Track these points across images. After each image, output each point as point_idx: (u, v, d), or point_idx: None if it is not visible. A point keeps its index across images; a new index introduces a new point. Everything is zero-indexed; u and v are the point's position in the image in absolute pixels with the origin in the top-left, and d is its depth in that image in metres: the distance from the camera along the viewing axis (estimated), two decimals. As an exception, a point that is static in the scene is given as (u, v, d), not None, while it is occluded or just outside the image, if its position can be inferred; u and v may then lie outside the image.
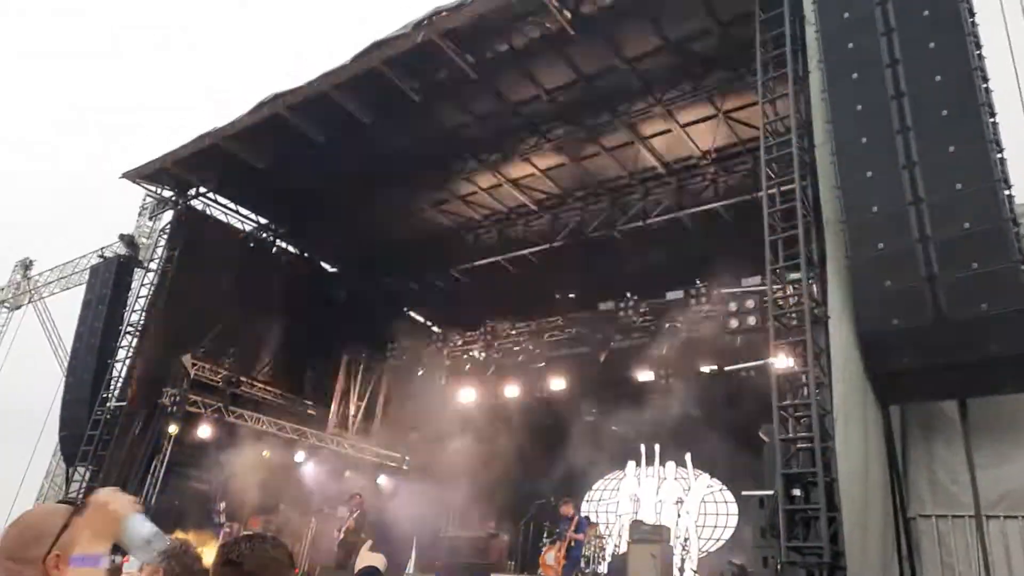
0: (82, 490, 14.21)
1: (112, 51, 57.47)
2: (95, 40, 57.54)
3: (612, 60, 11.51)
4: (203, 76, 57.77)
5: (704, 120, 12.64)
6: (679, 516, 14.54)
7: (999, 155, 6.78)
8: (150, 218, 17.29)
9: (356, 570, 2.86)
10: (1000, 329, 6.63)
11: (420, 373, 18.76)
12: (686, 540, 14.14)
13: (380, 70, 11.64)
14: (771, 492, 8.03)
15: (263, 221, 17.48)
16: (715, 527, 15.07)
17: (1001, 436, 7.32)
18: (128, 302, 15.88)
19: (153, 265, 15.96)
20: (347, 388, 18.69)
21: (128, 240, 16.68)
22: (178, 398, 14.10)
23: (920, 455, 7.78)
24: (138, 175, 15.47)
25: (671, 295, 14.81)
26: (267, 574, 1.96)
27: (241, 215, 17.10)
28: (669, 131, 12.94)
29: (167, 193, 16.11)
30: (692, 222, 14.11)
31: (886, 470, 7.71)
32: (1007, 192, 6.72)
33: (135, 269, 16.44)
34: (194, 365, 14.61)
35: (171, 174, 15.33)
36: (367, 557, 2.89)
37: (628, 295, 15.08)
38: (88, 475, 14.13)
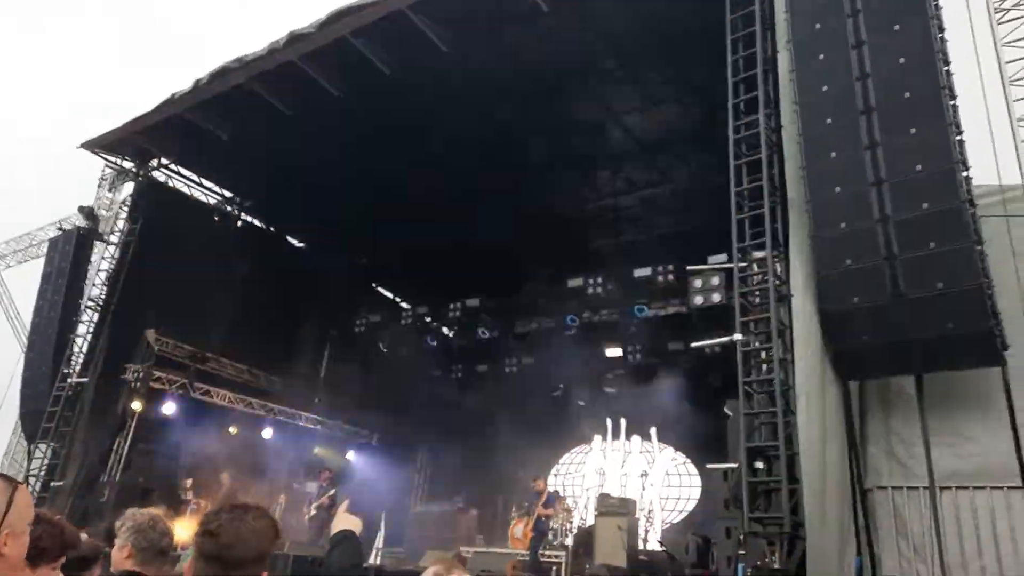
0: (43, 468, 14.00)
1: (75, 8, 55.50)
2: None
3: (585, 36, 11.45)
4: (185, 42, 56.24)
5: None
6: (644, 489, 14.82)
7: (958, 137, 6.93)
8: (110, 190, 16.86)
9: (332, 532, 2.83)
10: (955, 307, 6.83)
11: (387, 348, 18.75)
12: (650, 512, 14.43)
13: (347, 40, 11.43)
14: (735, 465, 8.22)
15: (228, 194, 17.18)
16: (679, 499, 15.41)
17: (955, 411, 7.57)
18: (89, 276, 15.53)
19: (114, 238, 15.64)
20: (315, 363, 18.63)
21: (88, 212, 16.26)
22: (142, 374, 13.90)
23: (878, 429, 8.03)
24: (97, 145, 15.05)
25: (639, 272, 14.96)
26: (246, 546, 1.90)
27: (205, 187, 16.78)
28: (642, 108, 12.97)
29: (128, 164, 15.73)
30: (661, 200, 14.20)
31: (845, 444, 7.95)
32: (965, 174, 6.89)
33: (95, 242, 16.05)
34: (158, 340, 14.39)
35: (132, 144, 14.95)
36: (343, 519, 2.84)
37: (597, 271, 15.18)
38: (50, 452, 13.91)
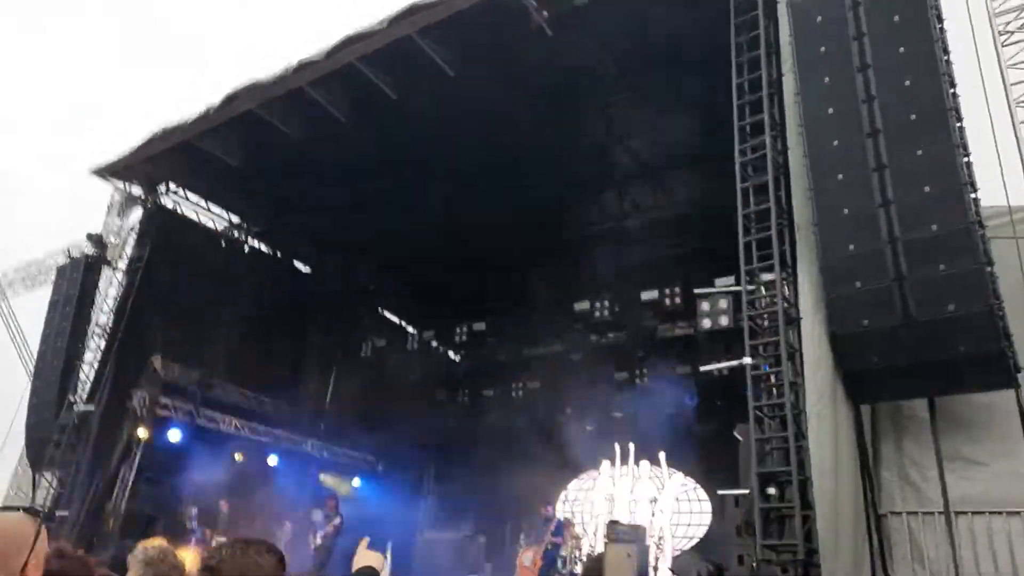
0: (49, 497, 13.91)
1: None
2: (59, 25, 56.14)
3: (590, 60, 11.54)
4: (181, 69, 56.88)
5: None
6: (653, 515, 14.60)
7: (966, 159, 6.92)
8: (118, 215, 16.94)
9: (354, 569, 2.74)
10: (967, 329, 6.77)
11: (393, 373, 18.68)
12: (660, 539, 14.21)
13: (355, 66, 11.55)
14: (746, 491, 8.11)
15: (235, 219, 17.25)
16: (689, 525, 15.18)
17: (969, 434, 7.47)
18: (96, 302, 15.56)
19: (122, 264, 15.66)
20: (320, 388, 18.55)
21: (96, 239, 16.32)
22: (147, 400, 13.84)
23: (891, 453, 7.92)
24: (108, 171, 15.15)
25: (645, 295, 14.93)
26: None
27: (213, 213, 16.85)
28: (646, 131, 13.03)
29: (136, 190, 15.82)
30: (667, 223, 14.19)
31: (857, 468, 7.83)
32: (973, 195, 6.86)
33: (103, 268, 16.11)
34: (164, 366, 14.36)
35: (140, 170, 15.05)
36: (365, 556, 2.77)
37: (603, 295, 15.15)
38: (55, 481, 13.83)
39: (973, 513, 7.31)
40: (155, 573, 2.84)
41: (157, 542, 3.04)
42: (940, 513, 7.44)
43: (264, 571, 1.91)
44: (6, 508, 1.94)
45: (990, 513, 7.27)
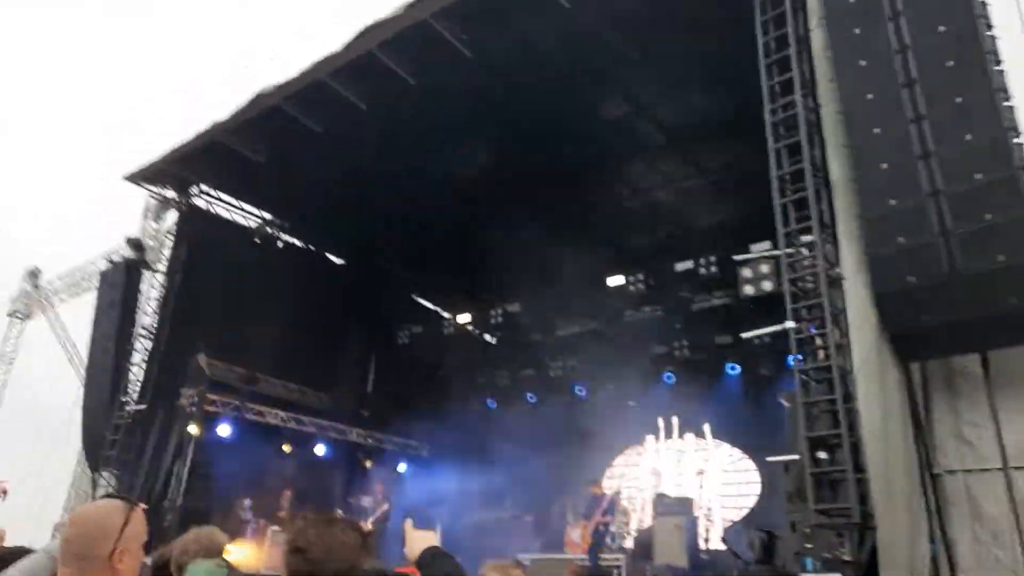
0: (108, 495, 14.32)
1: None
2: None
3: (608, 30, 11.35)
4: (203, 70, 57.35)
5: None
6: (701, 487, 14.54)
7: (1007, 103, 6.66)
8: (154, 219, 17.27)
9: (415, 556, 2.47)
10: (1018, 280, 6.55)
11: (432, 358, 18.82)
12: (709, 510, 14.16)
13: (374, 54, 11.55)
14: (796, 456, 8.00)
15: (267, 216, 17.46)
16: (738, 496, 15.09)
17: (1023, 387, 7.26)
18: (140, 305, 15.92)
19: (161, 267, 15.99)
20: (362, 377, 18.78)
21: (135, 243, 16.66)
22: (196, 398, 14.15)
23: (943, 411, 7.73)
24: (140, 177, 15.44)
25: (680, 266, 14.76)
26: (335, 560, 1.86)
27: (245, 211, 17.08)
28: (672, 99, 12.80)
29: (169, 193, 16.09)
30: (698, 192, 13.98)
31: (909, 428, 7.68)
32: (1017, 140, 6.61)
33: (144, 271, 16.46)
34: (210, 364, 14.65)
35: (171, 174, 15.30)
36: (420, 538, 2.52)
37: (637, 269, 15.02)
38: (113, 480, 14.25)
39: (1032, 468, 7.13)
40: (189, 557, 2.93)
41: (205, 531, 3.15)
42: (998, 470, 7.26)
43: (350, 548, 1.91)
44: (107, 496, 2.00)
45: (1051, 467, 7.08)
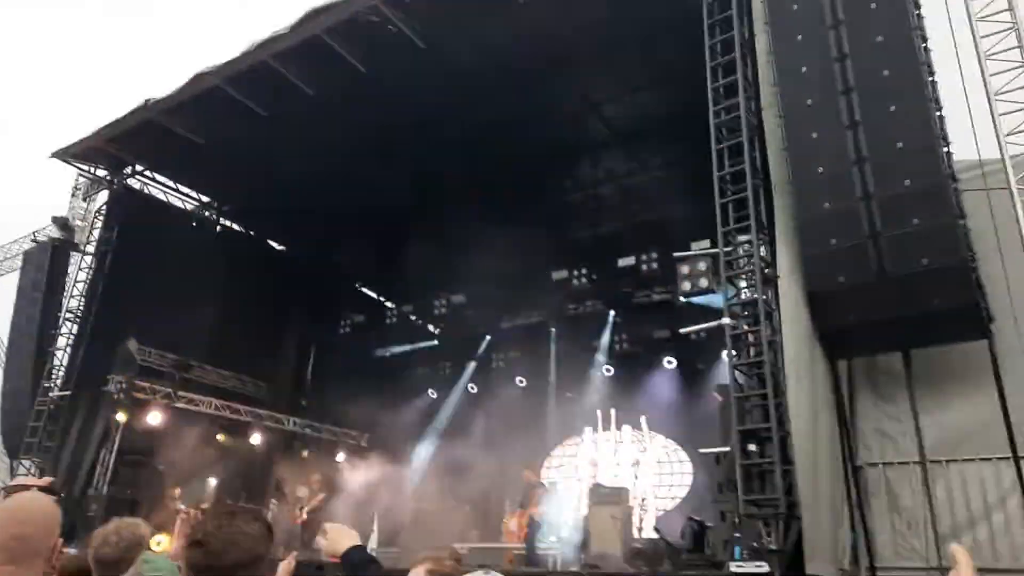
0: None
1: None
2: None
3: (561, 26, 11.40)
4: (146, 43, 55.20)
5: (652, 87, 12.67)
6: (636, 477, 14.81)
7: (938, 113, 6.99)
8: (84, 199, 16.57)
9: (338, 553, 2.47)
10: (941, 282, 6.89)
11: (373, 348, 18.65)
12: (643, 500, 14.44)
13: (321, 38, 11.33)
14: (727, 449, 8.24)
15: (205, 199, 16.96)
16: (671, 486, 15.45)
17: (942, 385, 7.64)
18: (66, 287, 15.27)
19: (90, 248, 15.37)
20: (301, 366, 18.47)
21: (62, 223, 15.97)
22: (124, 385, 13.68)
23: (867, 406, 8.08)
24: (69, 154, 14.78)
25: (623, 261, 14.98)
26: (236, 551, 1.82)
27: (182, 193, 16.55)
28: (620, 98, 12.95)
29: (101, 172, 15.47)
30: (641, 189, 14.19)
31: (835, 422, 8.00)
32: (946, 149, 6.94)
33: (71, 253, 15.79)
34: (140, 350, 14.18)
35: (104, 152, 14.71)
36: (341, 537, 2.48)
37: (580, 263, 15.18)
38: (34, 468, 13.66)
39: (947, 461, 7.52)
40: (110, 548, 2.81)
41: (127, 522, 3.01)
42: (916, 463, 7.63)
43: (252, 539, 1.87)
44: (17, 487, 1.91)
45: (963, 461, 7.47)
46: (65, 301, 15.11)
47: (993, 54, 7.14)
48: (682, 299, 11.01)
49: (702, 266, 9.85)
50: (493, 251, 15.77)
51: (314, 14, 11.30)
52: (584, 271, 15.75)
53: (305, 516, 13.87)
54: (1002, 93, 7.12)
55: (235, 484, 14.71)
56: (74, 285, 15.16)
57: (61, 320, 14.81)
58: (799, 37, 7.86)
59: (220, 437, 15.53)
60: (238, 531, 1.85)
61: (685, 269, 9.97)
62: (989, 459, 7.37)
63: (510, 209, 15.32)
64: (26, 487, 1.93)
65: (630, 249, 15.09)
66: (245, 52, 12.05)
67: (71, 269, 15.58)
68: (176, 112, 13.18)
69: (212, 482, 14.35)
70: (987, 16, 7.24)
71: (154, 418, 14.26)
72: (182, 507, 13.50)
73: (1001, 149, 7.04)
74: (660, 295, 14.91)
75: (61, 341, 14.63)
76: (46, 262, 15.30)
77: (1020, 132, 6.99)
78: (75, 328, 14.61)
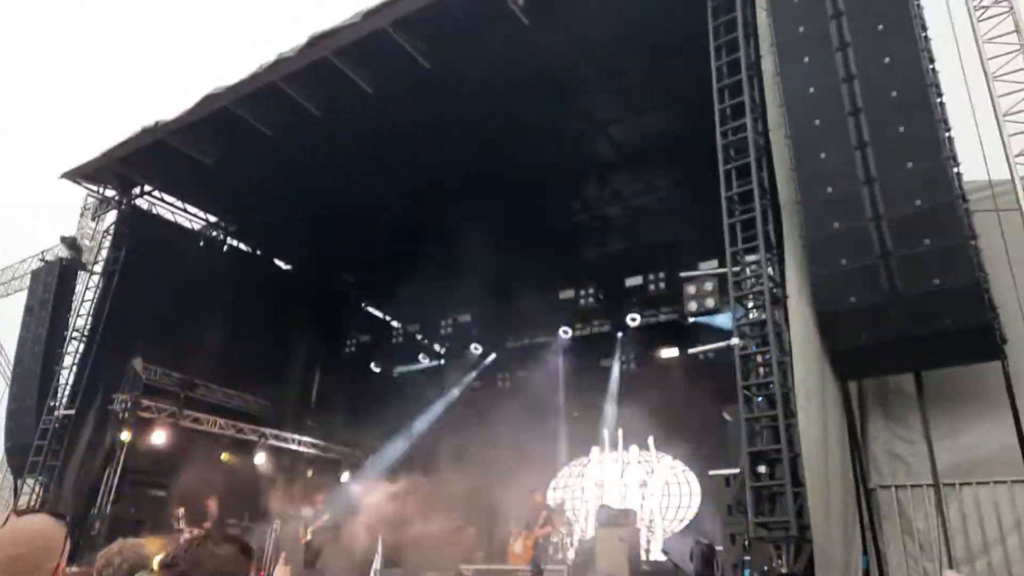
0: (32, 503, 13.69)
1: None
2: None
3: (566, 48, 11.48)
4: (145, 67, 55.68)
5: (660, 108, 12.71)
6: (643, 499, 14.71)
7: (947, 134, 6.97)
8: (93, 219, 16.66)
9: None
10: (953, 303, 6.83)
11: (379, 367, 18.61)
12: (651, 522, 14.32)
13: (329, 61, 11.42)
14: (737, 471, 8.16)
15: (212, 219, 17.04)
16: (679, 507, 15.30)
17: (954, 407, 7.55)
18: (73, 306, 15.31)
19: (98, 268, 15.43)
20: (306, 386, 18.43)
21: (70, 242, 16.04)
22: (129, 404, 13.66)
23: (878, 428, 7.99)
24: (79, 174, 14.89)
25: (630, 281, 14.97)
26: (202, 570, 1.87)
27: (189, 213, 16.64)
28: (620, 121, 13.00)
29: (110, 192, 15.57)
30: (649, 209, 14.20)
31: (846, 444, 7.90)
32: (956, 170, 6.92)
33: (79, 272, 15.84)
34: (145, 369, 14.17)
35: (113, 172, 14.81)
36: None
37: (587, 283, 15.17)
38: (38, 486, 13.62)
39: (961, 484, 7.41)
40: (114, 570, 2.84)
41: (131, 542, 3.03)
42: (929, 485, 7.53)
43: (222, 560, 1.91)
44: (28, 512, 1.92)
45: (977, 483, 7.37)
46: (72, 320, 15.13)
47: (1001, 75, 7.15)
48: (689, 319, 10.96)
49: (709, 286, 9.82)
50: (500, 271, 15.81)
51: (320, 37, 11.41)
52: (591, 291, 15.74)
53: (309, 536, 13.77)
54: (1010, 114, 7.12)
55: (238, 504, 14.61)
56: (81, 304, 15.20)
57: (67, 339, 14.83)
58: (806, 59, 7.88)
59: (224, 456, 15.47)
60: (208, 553, 1.90)
61: (692, 289, 9.94)
62: (1004, 482, 7.26)
63: (517, 229, 15.35)
64: (32, 512, 1.93)
65: (638, 269, 15.09)
66: (254, 74, 12.16)
67: (78, 288, 15.62)
68: (185, 133, 13.27)
69: (210, 501, 14.24)
70: (994, 38, 7.26)
71: (158, 437, 14.23)
72: (185, 527, 13.41)
73: (1011, 170, 7.02)
74: (667, 315, 14.89)
75: (67, 360, 14.64)
76: (54, 281, 15.34)
77: (1030, 153, 6.99)
78: (81, 347, 14.62)
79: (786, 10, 8.22)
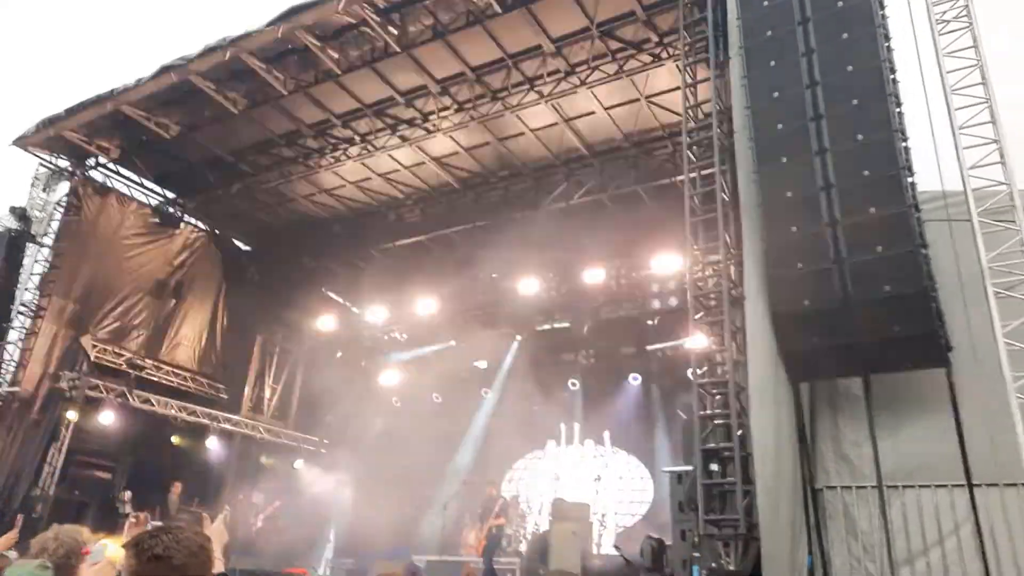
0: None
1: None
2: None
3: (538, 39, 11.44)
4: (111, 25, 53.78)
5: (627, 104, 12.73)
6: (597, 493, 14.83)
7: (904, 144, 7.09)
8: (44, 190, 16.09)
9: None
10: (902, 310, 6.97)
11: (339, 355, 18.41)
12: (604, 516, 14.45)
13: (298, 37, 11.21)
14: (689, 468, 8.25)
15: (169, 195, 16.61)
16: (632, 503, 15.46)
17: (901, 411, 7.73)
18: (21, 280, 14.80)
19: (48, 240, 14.92)
20: (262, 370, 18.14)
21: (20, 213, 15.47)
22: (77, 382, 13.30)
23: (826, 429, 8.14)
24: (30, 143, 14.37)
25: (591, 277, 15.00)
26: (198, 565, 1.85)
27: (146, 188, 16.19)
28: (593, 113, 13.00)
29: (62, 163, 15.07)
30: (613, 204, 14.22)
31: (795, 444, 8.04)
32: (910, 179, 7.05)
33: (28, 244, 15.30)
34: (95, 347, 13.80)
35: (67, 142, 14.32)
36: (216, 532, 2.64)
37: (551, 275, 15.16)
38: (-24, 465, 13.20)
39: (904, 487, 7.59)
40: (49, 555, 2.80)
41: (67, 528, 2.97)
42: (873, 487, 7.70)
43: (208, 552, 1.91)
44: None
45: (920, 487, 7.55)
46: (19, 294, 14.64)
47: (959, 89, 7.28)
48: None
49: (672, 285, 9.89)
50: (462, 262, 15.74)
51: (292, 12, 11.16)
52: (553, 284, 15.75)
53: (260, 523, 13.60)
54: (966, 127, 7.25)
55: (188, 489, 14.34)
56: (29, 277, 14.71)
57: (14, 313, 14.35)
58: (772, 63, 7.94)
59: (175, 440, 15.16)
60: (197, 545, 1.88)
61: (654, 287, 10.01)
62: (944, 486, 7.46)
63: (481, 219, 15.29)
64: None
65: (600, 264, 15.12)
66: (220, 46, 11.83)
67: (27, 261, 15.10)
68: (143, 104, 12.91)
69: (175, 486, 13.95)
70: (954, 52, 7.39)
71: (107, 418, 13.88)
72: (131, 511, 13.12)
73: (964, 181, 7.15)
74: (628, 311, 14.97)
75: (13, 335, 14.18)
76: (1, 253, 14.81)
77: (983, 166, 7.11)
78: (28, 322, 14.18)
79: (755, 14, 8.27)
